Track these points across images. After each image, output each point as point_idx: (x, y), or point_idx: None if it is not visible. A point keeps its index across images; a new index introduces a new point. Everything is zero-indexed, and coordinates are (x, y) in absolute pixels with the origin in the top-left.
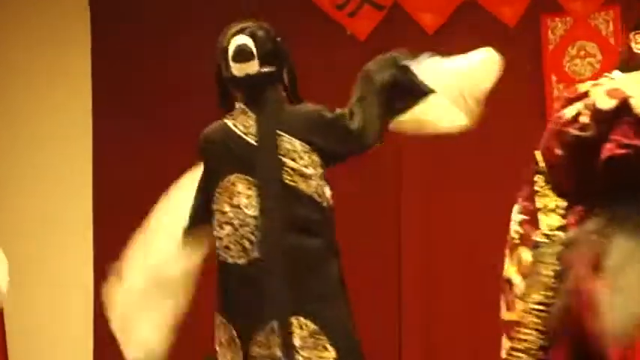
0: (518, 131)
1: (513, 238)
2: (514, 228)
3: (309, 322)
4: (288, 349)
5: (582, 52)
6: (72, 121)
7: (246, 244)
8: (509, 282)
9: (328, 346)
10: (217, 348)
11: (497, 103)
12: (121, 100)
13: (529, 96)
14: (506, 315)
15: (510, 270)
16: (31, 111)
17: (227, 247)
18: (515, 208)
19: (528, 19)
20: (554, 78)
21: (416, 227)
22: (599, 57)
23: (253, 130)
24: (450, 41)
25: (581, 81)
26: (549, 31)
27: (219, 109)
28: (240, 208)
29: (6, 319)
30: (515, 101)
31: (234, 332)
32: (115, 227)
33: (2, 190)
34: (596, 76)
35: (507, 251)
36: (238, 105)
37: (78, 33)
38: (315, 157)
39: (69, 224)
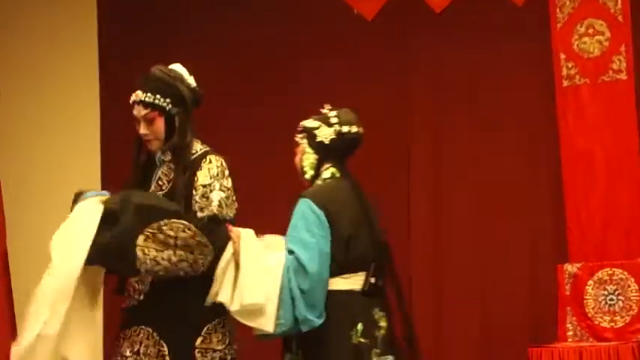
0: (528, 109)
1: None
2: None
3: None
4: None
5: (591, 30)
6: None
7: None
8: None
9: None
10: None
11: (506, 80)
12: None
13: (538, 74)
14: None
15: None
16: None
17: None
18: None
19: None
20: (562, 56)
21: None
22: (608, 35)
23: None
24: (457, 19)
25: (590, 59)
26: (557, 9)
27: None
28: None
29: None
30: (525, 78)
31: None
32: None
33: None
34: (603, 54)
35: None
36: None
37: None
38: None
39: None
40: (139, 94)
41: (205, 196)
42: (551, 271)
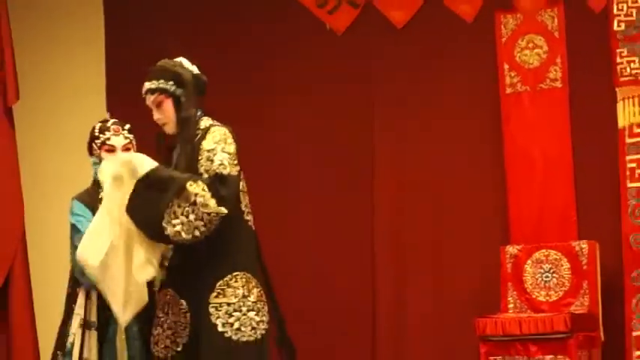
0: (477, 113)
1: None
2: None
3: None
4: None
5: (530, 44)
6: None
7: None
8: None
9: None
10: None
11: (457, 86)
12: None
13: (485, 81)
14: None
15: None
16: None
17: None
18: None
19: (484, 15)
20: (506, 66)
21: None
22: (546, 48)
23: None
24: (416, 34)
25: (530, 69)
26: (502, 26)
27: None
28: None
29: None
30: (473, 85)
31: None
32: None
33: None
34: (541, 65)
35: None
36: None
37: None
38: None
39: None
40: (145, 85)
41: (210, 159)
42: (495, 252)
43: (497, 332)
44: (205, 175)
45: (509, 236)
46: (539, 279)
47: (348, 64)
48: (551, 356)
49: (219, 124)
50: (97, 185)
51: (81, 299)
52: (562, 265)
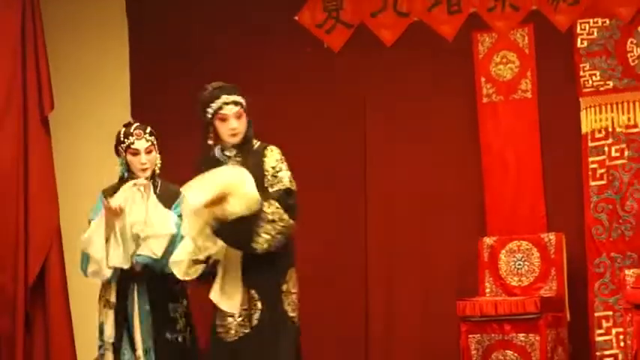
0: (455, 117)
1: None
2: None
3: None
4: None
5: (504, 60)
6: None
7: None
8: None
9: None
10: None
11: (440, 97)
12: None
13: (464, 92)
14: None
15: None
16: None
17: None
18: None
19: (463, 34)
20: (483, 79)
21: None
22: (517, 63)
23: None
24: (403, 51)
25: (504, 81)
26: (479, 44)
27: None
28: None
29: None
30: (454, 96)
31: None
32: None
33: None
34: (513, 78)
35: None
36: None
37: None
38: None
39: None
40: (229, 97)
41: (275, 176)
42: (474, 243)
43: (475, 313)
44: (271, 190)
45: (486, 229)
46: (513, 266)
47: (343, 77)
48: (523, 334)
49: (266, 143)
50: (122, 181)
51: (104, 283)
52: (532, 255)
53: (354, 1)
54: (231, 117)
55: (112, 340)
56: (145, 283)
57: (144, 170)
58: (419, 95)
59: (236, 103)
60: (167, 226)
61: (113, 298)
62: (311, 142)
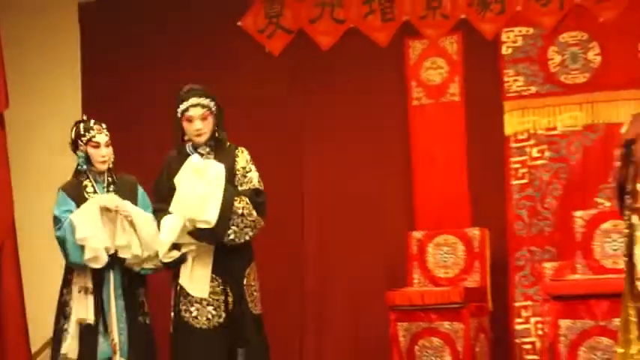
0: (388, 118)
1: None
2: None
3: None
4: None
5: (434, 65)
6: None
7: None
8: None
9: None
10: None
11: (374, 99)
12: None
13: (396, 95)
14: None
15: None
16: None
17: None
18: None
19: (396, 41)
20: (413, 83)
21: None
22: (446, 68)
23: None
24: (339, 56)
25: (433, 86)
26: (410, 50)
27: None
28: None
29: None
30: (387, 98)
31: None
32: None
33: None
34: (442, 82)
35: None
36: None
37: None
38: None
39: None
40: (193, 100)
41: (244, 176)
42: (404, 237)
43: (404, 303)
44: (240, 188)
45: (415, 224)
46: (439, 259)
47: (283, 79)
48: (448, 322)
49: (235, 144)
50: (78, 176)
51: (77, 270)
52: (458, 248)
53: (293, 8)
54: (196, 118)
55: (92, 324)
56: (119, 269)
57: (103, 162)
58: (353, 97)
59: (202, 106)
60: (157, 242)
61: (90, 284)
62: (249, 141)
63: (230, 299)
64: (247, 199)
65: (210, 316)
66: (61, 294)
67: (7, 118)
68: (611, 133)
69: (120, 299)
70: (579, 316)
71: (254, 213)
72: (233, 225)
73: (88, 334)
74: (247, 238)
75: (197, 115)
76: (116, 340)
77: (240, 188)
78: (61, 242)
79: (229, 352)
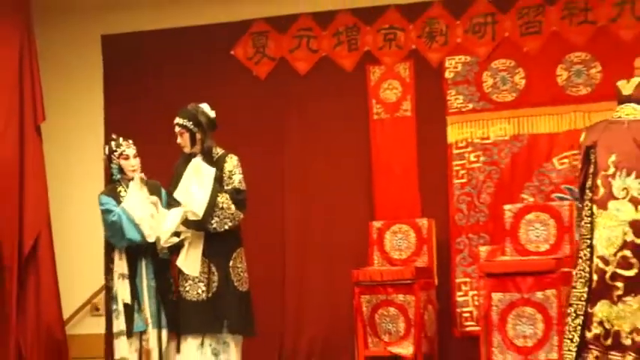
0: (353, 130)
1: None
2: None
3: None
4: None
5: (390, 86)
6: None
7: None
8: None
9: None
10: None
11: (341, 114)
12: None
13: (359, 111)
14: None
15: None
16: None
17: None
18: None
19: (359, 66)
20: (374, 101)
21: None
22: (400, 89)
23: None
24: (314, 79)
25: (390, 103)
26: (371, 74)
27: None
28: None
29: None
30: (352, 114)
31: None
32: None
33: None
34: (397, 100)
35: None
36: None
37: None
38: None
39: None
40: (176, 119)
41: (230, 178)
42: (366, 226)
43: (366, 279)
44: (226, 188)
45: (375, 215)
46: (395, 244)
47: (268, 99)
48: (402, 295)
49: (228, 152)
50: (114, 183)
51: (117, 259)
52: (410, 235)
53: (276, 40)
54: (177, 134)
55: (129, 303)
56: (151, 257)
57: (134, 171)
58: (325, 114)
59: (178, 125)
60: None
61: (126, 271)
62: (245, 144)
63: (215, 277)
64: (228, 196)
65: (200, 291)
66: (106, 280)
67: (44, 128)
68: (534, 141)
69: (152, 282)
70: (508, 289)
71: (232, 207)
72: (215, 216)
73: (127, 312)
74: (227, 227)
75: (177, 132)
76: (147, 315)
77: (225, 187)
78: (118, 225)
79: (217, 321)
